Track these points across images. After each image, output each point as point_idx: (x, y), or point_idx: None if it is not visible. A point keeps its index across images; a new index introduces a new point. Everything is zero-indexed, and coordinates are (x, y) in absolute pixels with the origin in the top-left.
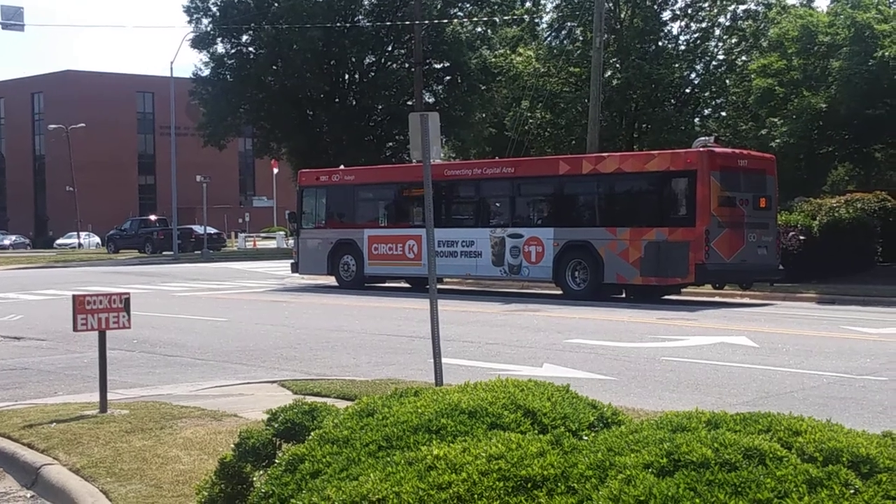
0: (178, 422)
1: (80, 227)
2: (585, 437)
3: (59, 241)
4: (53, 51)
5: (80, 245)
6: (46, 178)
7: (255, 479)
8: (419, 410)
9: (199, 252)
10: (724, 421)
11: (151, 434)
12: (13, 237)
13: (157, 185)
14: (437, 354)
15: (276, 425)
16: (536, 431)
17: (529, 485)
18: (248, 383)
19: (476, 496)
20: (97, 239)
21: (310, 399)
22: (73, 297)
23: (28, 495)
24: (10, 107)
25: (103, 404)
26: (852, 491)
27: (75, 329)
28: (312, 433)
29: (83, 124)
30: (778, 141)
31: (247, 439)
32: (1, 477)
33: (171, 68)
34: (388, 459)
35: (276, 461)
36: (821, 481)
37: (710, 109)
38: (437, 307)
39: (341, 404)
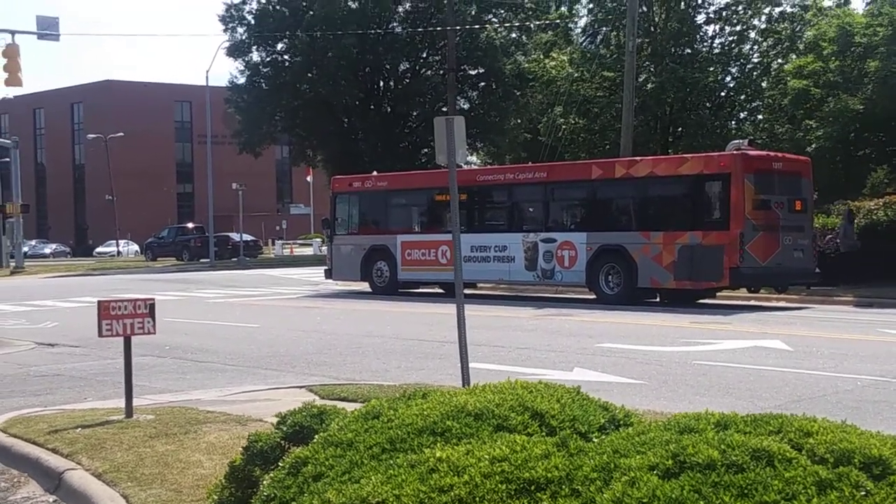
0: (203, 427)
1: (119, 235)
2: (595, 440)
3: (99, 249)
4: (92, 61)
5: (118, 253)
6: (86, 187)
7: (264, 482)
8: (425, 413)
9: (235, 259)
10: (733, 422)
11: (175, 439)
12: (53, 246)
13: (196, 193)
14: (463, 358)
15: (284, 428)
16: (544, 434)
17: (533, 487)
18: (277, 388)
19: (478, 499)
20: (136, 247)
21: (331, 403)
22: (98, 302)
23: (51, 500)
24: (51, 117)
25: (129, 409)
26: (863, 493)
27: (100, 335)
28: (317, 436)
29: (122, 133)
30: (814, 146)
31: (255, 443)
32: (25, 482)
33: (207, 77)
34: (391, 462)
35: (280, 464)
36: (831, 483)
37: (745, 113)
38: (464, 311)
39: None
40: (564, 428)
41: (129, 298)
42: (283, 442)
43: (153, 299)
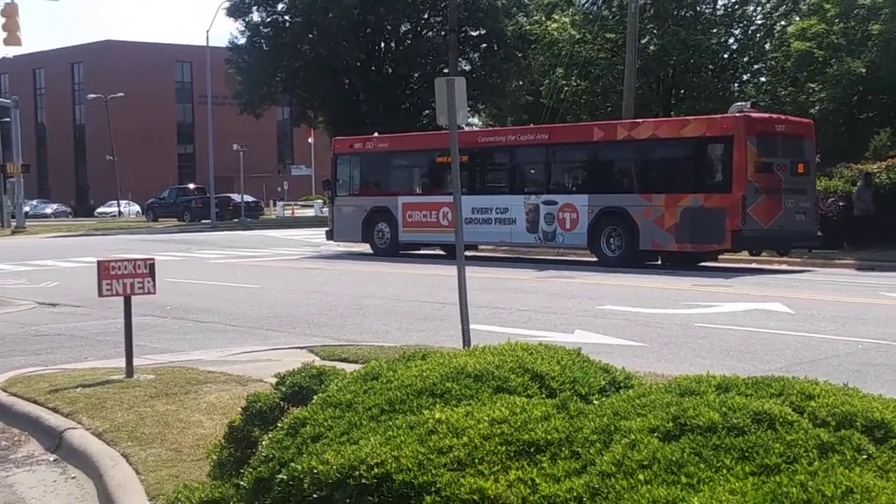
0: (203, 387)
1: (121, 195)
2: (596, 402)
3: (100, 209)
4: (92, 20)
5: (120, 214)
6: (87, 148)
7: (263, 442)
8: (424, 374)
9: (236, 220)
10: (734, 385)
11: (175, 399)
12: (55, 206)
13: (196, 153)
14: (464, 320)
15: (283, 389)
16: (544, 395)
17: (532, 449)
18: (278, 349)
19: (477, 461)
20: (137, 207)
21: (331, 364)
22: (98, 262)
23: (51, 458)
24: (51, 77)
25: (129, 369)
26: (865, 456)
27: (100, 294)
28: (316, 396)
29: (122, 94)
30: (817, 108)
31: (254, 403)
32: (26, 441)
33: (207, 37)
34: (390, 423)
35: (279, 424)
36: (832, 446)
37: (748, 75)
38: (465, 273)
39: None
40: (564, 390)
41: (129, 258)
42: (282, 402)
43: (153, 259)
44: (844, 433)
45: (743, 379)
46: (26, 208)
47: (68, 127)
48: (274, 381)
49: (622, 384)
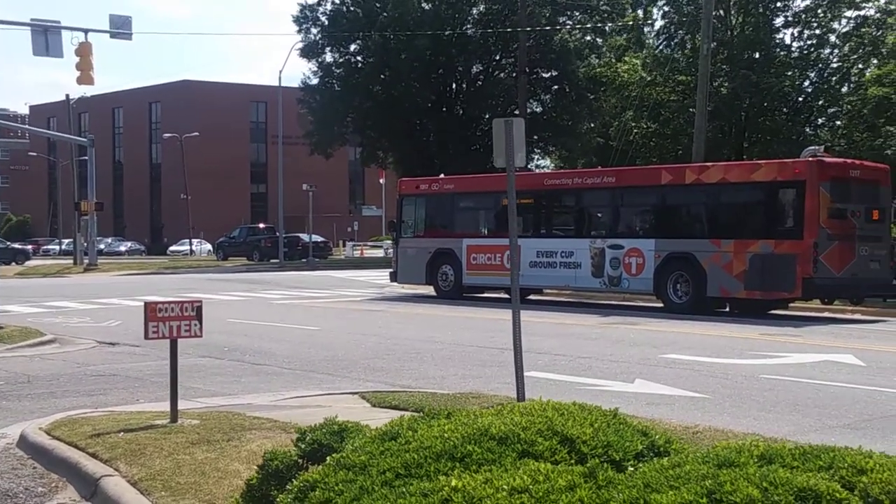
0: (247, 434)
1: (193, 234)
2: (631, 468)
3: (173, 247)
4: (169, 62)
5: (191, 252)
6: (162, 186)
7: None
8: (445, 435)
9: (304, 260)
10: (779, 455)
11: (216, 446)
12: (129, 243)
13: (269, 193)
14: (519, 367)
15: (302, 446)
16: (573, 461)
17: None
18: (330, 394)
19: None
20: (209, 246)
21: (354, 421)
22: (145, 304)
23: None
24: (129, 116)
25: (174, 414)
26: None
27: (146, 337)
28: (329, 457)
29: (197, 133)
30: (893, 152)
31: (270, 461)
32: (63, 487)
33: (280, 77)
34: (403, 489)
35: (288, 487)
36: None
37: (823, 119)
38: (527, 317)
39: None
40: (596, 455)
41: (176, 301)
42: (300, 460)
43: (200, 302)
44: None
45: (789, 448)
46: (101, 246)
47: (144, 165)
48: None
49: (661, 449)
